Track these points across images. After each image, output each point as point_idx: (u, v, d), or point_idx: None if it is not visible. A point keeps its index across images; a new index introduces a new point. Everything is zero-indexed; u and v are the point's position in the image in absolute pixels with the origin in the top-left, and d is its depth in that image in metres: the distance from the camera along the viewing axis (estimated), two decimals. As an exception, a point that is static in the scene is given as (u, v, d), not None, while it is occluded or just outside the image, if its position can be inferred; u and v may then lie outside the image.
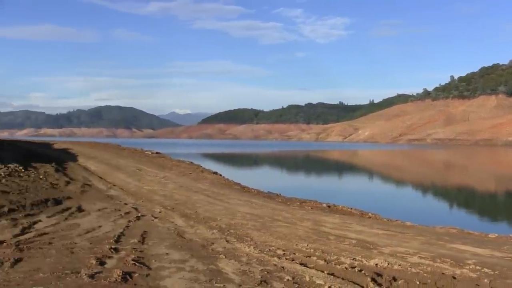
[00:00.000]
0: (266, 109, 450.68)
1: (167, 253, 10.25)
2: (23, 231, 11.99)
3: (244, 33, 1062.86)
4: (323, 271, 9.14)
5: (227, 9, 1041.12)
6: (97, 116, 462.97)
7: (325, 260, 10.03)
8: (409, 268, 9.52)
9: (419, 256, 10.61)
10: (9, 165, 19.33)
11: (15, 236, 11.51)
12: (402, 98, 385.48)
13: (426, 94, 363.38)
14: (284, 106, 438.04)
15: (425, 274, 9.12)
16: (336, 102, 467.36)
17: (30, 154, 24.44)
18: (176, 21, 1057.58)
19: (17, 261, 9.22)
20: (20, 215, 13.80)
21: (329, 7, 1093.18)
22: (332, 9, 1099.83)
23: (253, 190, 23.40)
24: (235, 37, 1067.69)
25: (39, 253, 9.93)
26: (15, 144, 28.76)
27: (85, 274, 8.25)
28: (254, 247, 11.07)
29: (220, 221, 14.35)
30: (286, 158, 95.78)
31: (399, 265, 9.78)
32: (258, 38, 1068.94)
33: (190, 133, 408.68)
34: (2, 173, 17.86)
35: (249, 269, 9.21)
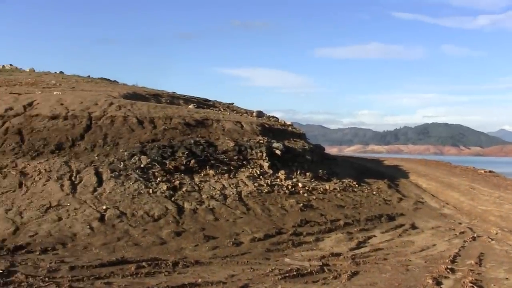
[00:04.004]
0: None
1: (506, 278, 9.46)
2: (359, 245, 12.21)
3: None
4: None
5: None
6: (424, 133, 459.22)
7: None
8: None
9: None
10: (344, 180, 20.07)
11: (351, 249, 11.77)
12: None
13: None
14: None
15: None
16: None
17: (362, 169, 25.11)
18: (506, 34, 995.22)
19: (354, 274, 9.36)
20: (355, 229, 14.11)
21: None
22: None
23: None
24: None
25: (374, 268, 9.94)
26: (347, 160, 29.90)
27: (422, 293, 7.93)
28: None
29: None
30: None
31: None
32: None
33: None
34: (338, 188, 18.61)
35: None
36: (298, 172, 18.94)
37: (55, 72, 36.25)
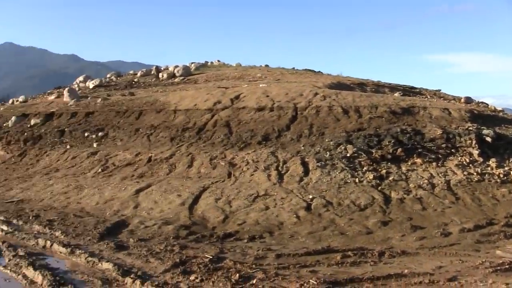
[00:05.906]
0: None
1: None
2: None
3: None
4: None
5: None
6: None
7: None
8: None
9: None
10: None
11: None
12: None
13: None
14: None
15: None
16: None
17: None
18: None
19: None
20: None
21: None
22: None
23: None
24: None
25: None
26: None
27: None
28: None
29: None
30: None
31: None
32: None
33: None
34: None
35: None
36: (511, 160, 18.00)
37: (260, 66, 38.15)
